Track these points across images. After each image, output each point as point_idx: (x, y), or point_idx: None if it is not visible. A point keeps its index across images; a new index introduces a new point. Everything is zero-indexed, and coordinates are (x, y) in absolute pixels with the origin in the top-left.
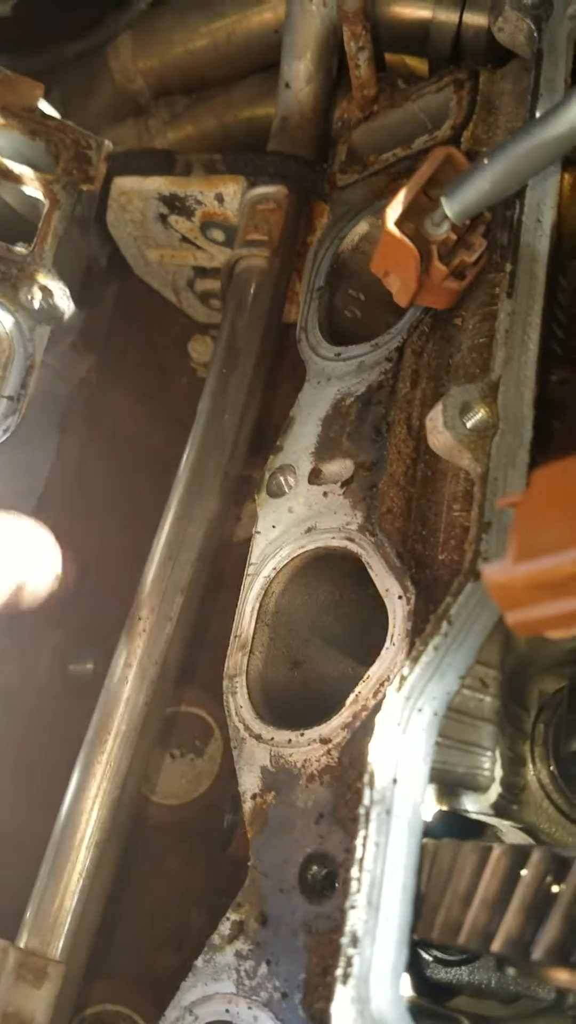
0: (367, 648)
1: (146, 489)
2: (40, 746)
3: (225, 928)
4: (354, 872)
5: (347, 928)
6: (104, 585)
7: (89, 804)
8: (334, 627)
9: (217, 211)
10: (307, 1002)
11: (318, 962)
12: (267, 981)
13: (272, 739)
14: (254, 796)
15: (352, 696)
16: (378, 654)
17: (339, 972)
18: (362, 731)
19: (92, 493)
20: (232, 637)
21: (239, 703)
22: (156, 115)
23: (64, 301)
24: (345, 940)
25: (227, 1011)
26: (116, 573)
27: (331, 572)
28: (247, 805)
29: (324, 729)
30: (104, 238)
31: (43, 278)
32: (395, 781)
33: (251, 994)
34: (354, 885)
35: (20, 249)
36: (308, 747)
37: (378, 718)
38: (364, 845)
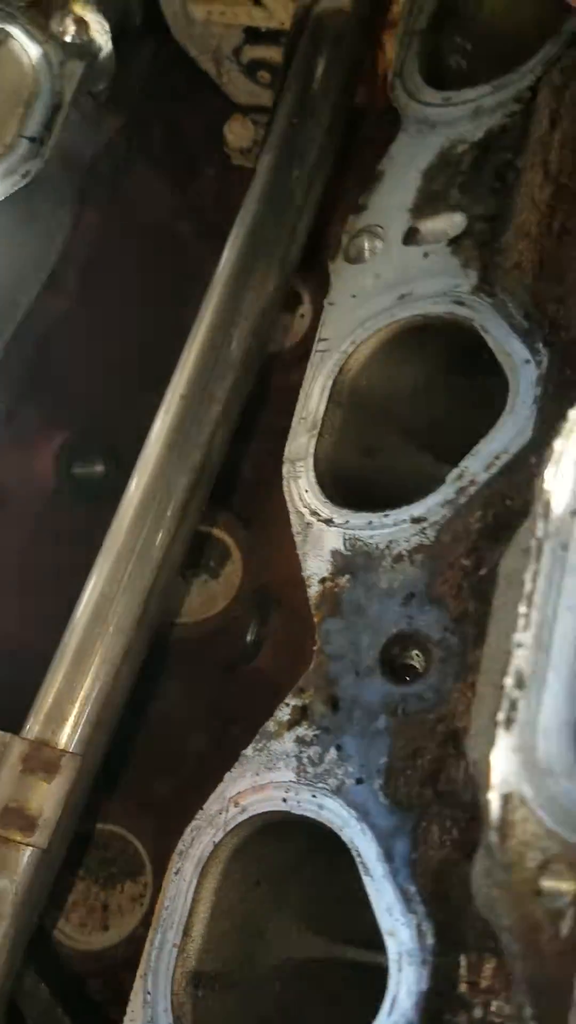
0: (450, 443)
1: (166, 284)
2: (42, 550)
3: (283, 714)
4: (521, 608)
5: (512, 669)
6: (119, 382)
7: (117, 588)
8: (413, 416)
9: None
10: (390, 787)
11: (404, 745)
12: (336, 767)
13: (347, 522)
14: (323, 580)
15: (456, 472)
16: (464, 448)
17: (501, 717)
18: (467, 507)
19: (109, 279)
20: (296, 419)
21: (303, 488)
22: None
23: (102, 36)
24: (509, 682)
25: (284, 800)
26: (130, 369)
27: (419, 351)
28: (313, 590)
29: (417, 509)
30: None
31: (80, 8)
32: (574, 514)
33: (316, 781)
34: (521, 622)
35: None
36: (394, 528)
37: (556, 444)
38: (535, 580)
